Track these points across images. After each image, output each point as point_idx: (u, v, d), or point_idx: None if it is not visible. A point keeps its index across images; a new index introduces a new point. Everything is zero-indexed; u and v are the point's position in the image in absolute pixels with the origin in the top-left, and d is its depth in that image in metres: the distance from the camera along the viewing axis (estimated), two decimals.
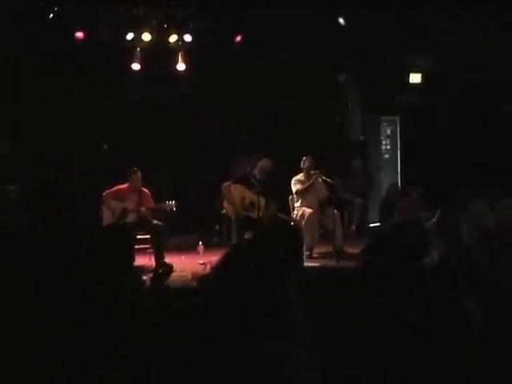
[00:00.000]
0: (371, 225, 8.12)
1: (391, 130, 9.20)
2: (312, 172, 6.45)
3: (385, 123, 9.18)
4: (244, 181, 6.18)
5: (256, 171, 6.22)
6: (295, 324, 1.03)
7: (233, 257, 1.13)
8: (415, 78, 8.28)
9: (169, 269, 5.71)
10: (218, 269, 1.13)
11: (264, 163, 6.27)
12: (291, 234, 1.98)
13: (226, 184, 6.12)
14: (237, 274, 1.08)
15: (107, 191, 6.00)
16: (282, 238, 1.91)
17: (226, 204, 6.08)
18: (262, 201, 6.09)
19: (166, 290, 3.00)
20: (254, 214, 6.04)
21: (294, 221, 6.04)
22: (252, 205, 6.08)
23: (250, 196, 6.11)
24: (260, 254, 1.12)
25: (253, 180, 6.19)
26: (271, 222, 5.88)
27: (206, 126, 7.71)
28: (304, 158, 6.56)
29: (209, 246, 6.50)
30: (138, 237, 5.94)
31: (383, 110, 8.78)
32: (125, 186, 6.07)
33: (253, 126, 7.75)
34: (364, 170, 8.29)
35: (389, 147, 9.23)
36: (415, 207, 6.52)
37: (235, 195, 6.09)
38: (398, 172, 9.20)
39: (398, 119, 9.14)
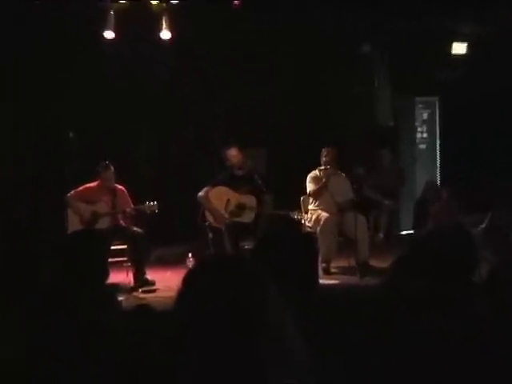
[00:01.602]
0: (403, 232, 8.10)
1: (428, 114, 9.18)
2: (323, 167, 6.45)
3: (420, 105, 9.16)
4: (225, 181, 6.17)
5: (233, 167, 6.21)
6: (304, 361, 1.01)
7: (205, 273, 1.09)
8: (459, 48, 8.25)
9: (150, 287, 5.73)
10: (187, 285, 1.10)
11: (231, 155, 6.24)
12: (302, 243, 1.97)
13: (203, 191, 6.13)
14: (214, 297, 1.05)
15: (73, 191, 6.01)
16: (288, 247, 1.90)
17: (207, 214, 6.09)
18: (253, 199, 6.09)
19: (146, 314, 3.00)
20: (246, 218, 6.05)
21: (298, 215, 6.02)
22: (241, 207, 6.08)
23: (236, 197, 6.12)
24: (254, 271, 1.09)
25: (234, 178, 6.19)
26: (272, 225, 5.87)
27: (196, 108, 7.71)
28: (323, 150, 6.55)
29: None
30: (113, 247, 5.96)
31: (419, 89, 8.76)
32: (94, 184, 6.08)
33: (253, 108, 7.75)
34: (394, 163, 8.28)
35: (425, 135, 9.21)
36: (451, 210, 6.50)
37: (216, 201, 6.10)
38: (436, 166, 9.18)
39: (437, 101, 9.11)
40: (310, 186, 6.51)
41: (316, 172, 6.56)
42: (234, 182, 6.17)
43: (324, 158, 6.50)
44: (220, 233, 6.05)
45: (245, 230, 5.95)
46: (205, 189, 6.15)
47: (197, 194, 6.21)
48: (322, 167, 6.48)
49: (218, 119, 7.72)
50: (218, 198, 6.12)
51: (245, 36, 7.42)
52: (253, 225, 6.01)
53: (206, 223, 6.13)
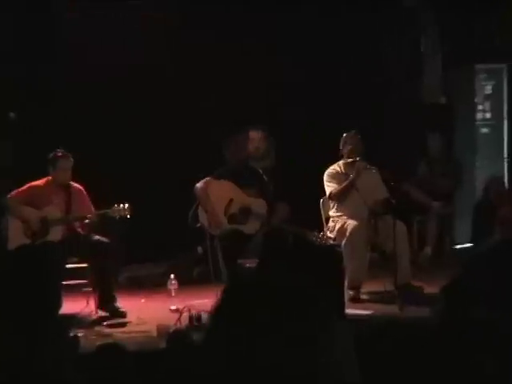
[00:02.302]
0: (459, 246, 8.08)
1: (493, 87, 9.16)
2: (350, 160, 6.43)
3: (482, 75, 9.14)
4: (232, 174, 6.15)
5: (250, 157, 6.20)
6: None
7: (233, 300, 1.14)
8: None
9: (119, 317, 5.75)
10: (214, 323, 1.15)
11: (252, 138, 6.22)
12: (321, 260, 1.97)
13: (202, 181, 6.10)
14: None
15: (14, 191, 6.02)
16: (306, 266, 1.90)
17: (201, 214, 6.06)
18: (262, 205, 6.07)
19: (112, 355, 3.01)
20: (250, 228, 6.01)
21: (325, 239, 6.02)
22: (245, 212, 6.04)
23: (241, 198, 6.09)
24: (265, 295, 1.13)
25: (246, 172, 6.17)
26: (280, 240, 5.86)
27: (182, 84, 7.73)
28: (344, 136, 6.54)
29: (187, 282, 6.51)
30: (69, 266, 5.97)
31: (480, 54, 8.74)
32: (43, 181, 6.09)
33: (255, 81, 7.77)
34: (447, 153, 8.27)
35: (489, 115, 9.19)
36: None
37: (216, 198, 6.07)
38: (503, 156, 9.16)
39: (505, 69, 9.10)
40: (330, 186, 6.49)
41: (337, 166, 6.55)
42: (243, 178, 6.12)
43: (347, 147, 6.48)
44: (214, 241, 6.04)
45: (245, 242, 5.93)
46: (206, 179, 6.11)
47: (182, 194, 6.21)
48: (348, 159, 6.46)
49: (211, 95, 7.74)
50: (218, 195, 6.08)
51: None
52: (256, 238, 5.97)
53: (198, 225, 6.09)
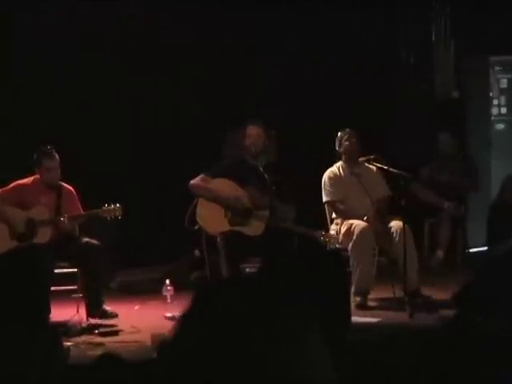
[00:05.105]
0: (473, 250, 8.07)
1: (509, 81, 9.16)
2: (362, 159, 6.43)
3: (497, 68, 9.14)
4: (229, 171, 6.13)
5: (245, 152, 6.20)
6: None
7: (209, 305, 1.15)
8: None
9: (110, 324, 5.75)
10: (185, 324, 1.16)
11: (250, 134, 6.22)
12: (326, 265, 1.98)
13: (199, 178, 6.06)
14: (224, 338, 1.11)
15: None
16: (309, 271, 1.91)
17: (200, 215, 6.03)
18: (265, 204, 6.05)
19: (104, 364, 3.01)
20: (253, 229, 5.99)
21: (333, 237, 6.02)
22: (247, 213, 6.02)
23: (243, 197, 6.08)
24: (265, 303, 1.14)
25: (243, 168, 6.16)
26: (286, 242, 5.86)
27: (178, 76, 7.75)
28: (339, 135, 6.53)
29: (184, 288, 6.50)
30: (57, 271, 5.96)
31: (494, 45, 8.74)
32: (29, 179, 6.10)
33: (257, 72, 7.79)
34: (459, 151, 8.26)
35: (504, 110, 9.20)
36: None
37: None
38: None
39: None
40: (329, 193, 6.47)
41: (336, 168, 6.54)
42: (242, 175, 6.09)
43: (345, 145, 6.46)
44: (214, 244, 6.01)
45: (249, 245, 5.91)
46: (201, 176, 6.07)
47: (178, 195, 6.19)
48: (349, 160, 6.45)
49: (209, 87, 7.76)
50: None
51: None
52: (261, 240, 5.95)
53: (196, 227, 6.07)
